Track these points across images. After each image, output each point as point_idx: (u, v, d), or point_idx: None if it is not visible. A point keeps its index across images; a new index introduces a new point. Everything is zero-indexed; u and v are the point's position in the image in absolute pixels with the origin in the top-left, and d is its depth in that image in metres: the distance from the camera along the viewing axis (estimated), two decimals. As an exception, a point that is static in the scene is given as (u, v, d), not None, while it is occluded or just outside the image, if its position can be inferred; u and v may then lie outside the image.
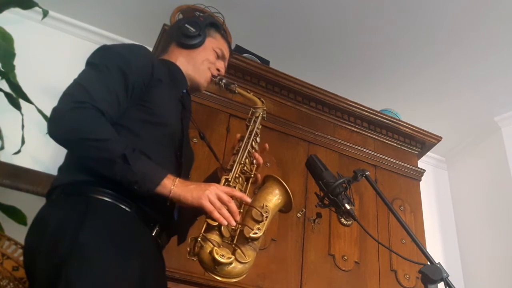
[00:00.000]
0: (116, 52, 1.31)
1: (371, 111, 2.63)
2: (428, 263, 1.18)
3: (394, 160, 2.64)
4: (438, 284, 1.14)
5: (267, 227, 1.25)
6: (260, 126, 1.49)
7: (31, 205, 2.03)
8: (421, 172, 2.71)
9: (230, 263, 1.15)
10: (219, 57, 1.59)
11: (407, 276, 2.32)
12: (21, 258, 1.72)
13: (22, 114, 2.03)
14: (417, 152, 2.78)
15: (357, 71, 2.92)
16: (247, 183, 1.35)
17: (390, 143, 2.70)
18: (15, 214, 1.92)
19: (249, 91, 1.61)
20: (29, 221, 1.87)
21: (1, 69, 1.99)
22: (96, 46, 1.34)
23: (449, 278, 1.14)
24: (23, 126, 2.01)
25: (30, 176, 2.22)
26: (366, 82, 2.98)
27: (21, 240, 1.73)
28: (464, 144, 3.41)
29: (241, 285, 1.85)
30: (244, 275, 1.20)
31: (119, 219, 1.15)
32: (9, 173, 2.18)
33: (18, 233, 1.79)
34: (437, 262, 1.17)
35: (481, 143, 3.29)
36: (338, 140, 2.53)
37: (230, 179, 1.29)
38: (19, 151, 2.05)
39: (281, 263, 2.06)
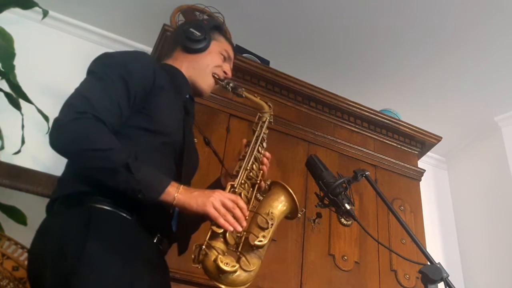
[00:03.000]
0: (117, 60, 1.30)
1: (371, 111, 2.63)
2: (428, 263, 1.18)
3: (394, 160, 2.64)
4: (438, 284, 1.14)
5: (273, 234, 1.24)
6: (267, 131, 1.48)
7: (31, 205, 2.05)
8: (421, 172, 2.71)
9: (235, 272, 1.14)
10: (225, 59, 1.59)
11: (407, 276, 2.32)
12: (21, 258, 1.72)
13: (22, 114, 2.03)
14: (417, 152, 2.78)
15: (357, 71, 2.91)
16: (253, 189, 1.34)
17: (390, 143, 2.70)
18: (15, 214, 1.92)
19: (256, 95, 1.61)
20: (29, 221, 1.89)
21: (1, 69, 1.99)
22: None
23: (449, 278, 1.14)
24: (23, 126, 2.01)
25: (30, 176, 2.22)
26: (366, 82, 2.98)
27: (21, 240, 1.74)
28: (464, 144, 3.40)
29: (241, 285, 1.85)
30: (249, 284, 1.18)
31: (121, 227, 1.15)
32: (9, 173, 2.18)
33: (18, 233, 1.79)
34: (437, 262, 1.17)
35: (481, 143, 3.29)
36: (338, 140, 2.53)
37: (236, 185, 1.28)
38: (19, 151, 2.05)
39: (281, 263, 2.06)
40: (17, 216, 1.92)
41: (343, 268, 2.20)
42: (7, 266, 1.70)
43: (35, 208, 1.22)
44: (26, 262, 1.70)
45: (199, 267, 1.15)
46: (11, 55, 2.01)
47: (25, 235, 1.70)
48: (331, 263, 2.19)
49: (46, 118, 2.05)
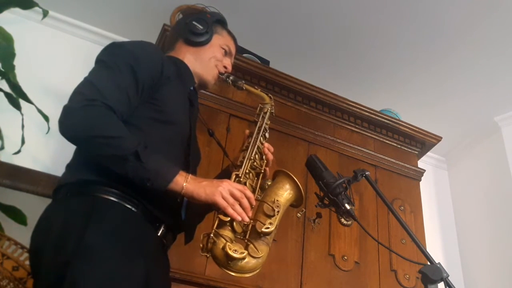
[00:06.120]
0: (126, 50, 1.31)
1: (371, 111, 2.63)
2: (428, 263, 1.18)
3: (394, 160, 2.64)
4: (438, 284, 1.14)
5: (279, 221, 1.25)
6: (269, 122, 1.49)
7: (31, 205, 2.05)
8: (421, 172, 2.71)
9: (243, 258, 1.15)
10: (226, 53, 1.60)
11: (407, 276, 2.32)
12: (21, 258, 1.72)
13: (22, 114, 2.03)
14: (417, 152, 2.78)
15: (357, 71, 2.91)
16: (258, 179, 1.36)
17: (390, 143, 2.70)
18: (15, 214, 1.92)
19: (256, 87, 1.62)
20: (29, 221, 1.89)
21: (1, 69, 1.99)
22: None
23: (449, 278, 1.14)
24: (23, 126, 2.01)
25: (30, 176, 2.22)
26: (366, 82, 2.98)
27: (21, 240, 1.73)
28: (464, 144, 3.41)
29: (241, 285, 1.85)
30: (258, 270, 1.20)
31: (125, 219, 1.15)
32: (9, 173, 2.18)
33: (18, 233, 1.79)
34: (437, 262, 1.17)
35: (481, 143, 3.29)
36: (338, 140, 2.53)
37: (240, 175, 1.30)
38: (19, 151, 2.05)
39: (281, 263, 2.06)
40: (17, 216, 1.92)
41: (343, 268, 2.20)
42: (7, 266, 1.69)
43: (35, 208, 1.22)
44: (26, 262, 1.70)
45: (208, 255, 1.16)
46: (11, 55, 2.01)
47: (25, 235, 1.69)
48: (331, 263, 2.19)
49: (46, 118, 2.05)
